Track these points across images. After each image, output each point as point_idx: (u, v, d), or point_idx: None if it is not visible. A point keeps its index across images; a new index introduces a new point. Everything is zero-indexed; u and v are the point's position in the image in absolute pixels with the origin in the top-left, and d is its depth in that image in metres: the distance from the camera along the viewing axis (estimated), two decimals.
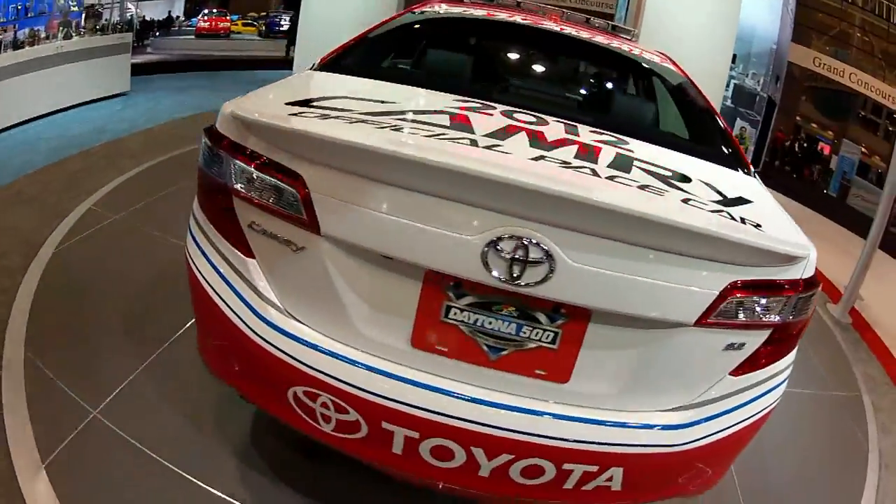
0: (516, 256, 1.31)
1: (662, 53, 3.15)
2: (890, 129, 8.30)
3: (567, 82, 3.27)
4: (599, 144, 1.75)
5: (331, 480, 2.09)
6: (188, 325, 2.71)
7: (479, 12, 2.95)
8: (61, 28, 6.40)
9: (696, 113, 2.54)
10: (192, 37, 13.19)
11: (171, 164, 4.91)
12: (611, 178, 1.49)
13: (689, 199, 1.48)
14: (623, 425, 1.47)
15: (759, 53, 10.47)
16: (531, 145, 1.58)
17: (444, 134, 1.50)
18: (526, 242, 1.31)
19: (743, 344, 1.49)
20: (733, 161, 2.07)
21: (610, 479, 1.48)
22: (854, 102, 8.72)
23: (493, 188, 1.28)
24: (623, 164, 1.63)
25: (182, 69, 10.06)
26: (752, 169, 2.11)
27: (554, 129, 1.81)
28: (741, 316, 1.43)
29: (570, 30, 2.93)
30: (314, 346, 1.48)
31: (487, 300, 1.43)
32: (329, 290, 1.48)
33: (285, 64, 9.75)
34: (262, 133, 1.45)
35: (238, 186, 1.49)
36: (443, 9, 3.01)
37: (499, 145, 1.51)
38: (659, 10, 6.42)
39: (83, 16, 6.78)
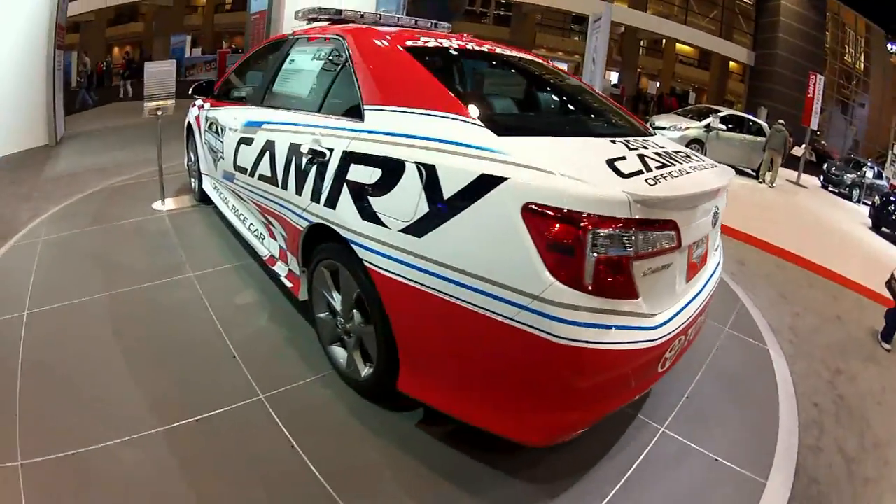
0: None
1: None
2: None
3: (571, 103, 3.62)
4: (663, 148, 2.60)
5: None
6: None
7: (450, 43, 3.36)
8: None
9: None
10: None
11: None
12: (700, 167, 2.52)
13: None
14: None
15: None
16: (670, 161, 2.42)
17: (683, 171, 2.32)
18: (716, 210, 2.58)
19: None
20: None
21: None
22: None
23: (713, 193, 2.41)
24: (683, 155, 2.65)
25: None
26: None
27: (641, 145, 2.52)
28: None
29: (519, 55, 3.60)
30: (663, 323, 2.14)
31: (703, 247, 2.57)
32: (673, 283, 2.25)
33: None
34: (654, 203, 1.95)
35: (641, 250, 1.95)
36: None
37: (682, 166, 2.39)
38: None
39: None
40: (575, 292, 1.83)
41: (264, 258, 3.81)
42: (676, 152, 2.61)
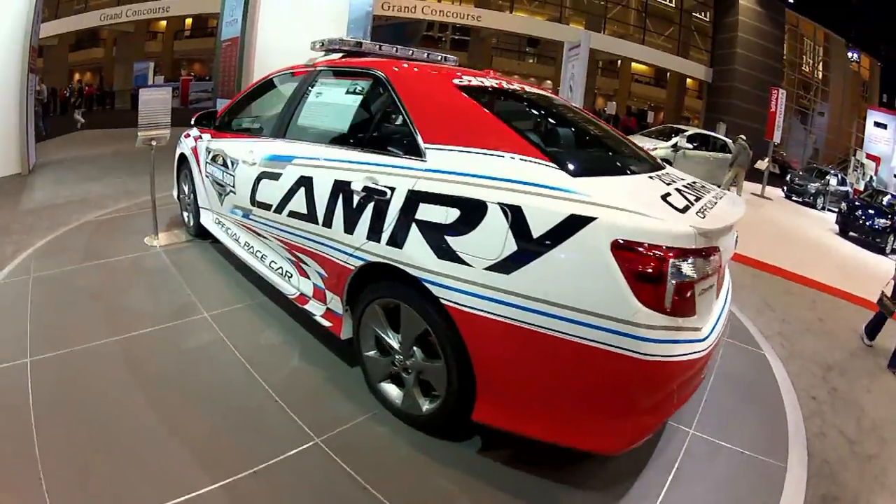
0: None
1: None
2: None
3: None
4: (682, 181, 3.01)
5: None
6: None
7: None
8: None
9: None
10: None
11: None
12: (717, 196, 2.92)
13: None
14: None
15: None
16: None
17: (711, 202, 2.71)
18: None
19: None
20: None
21: None
22: None
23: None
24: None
25: None
26: None
27: (670, 180, 2.93)
28: None
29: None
30: (707, 336, 2.48)
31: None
32: (712, 300, 2.57)
33: None
34: (708, 234, 2.31)
35: (700, 274, 2.29)
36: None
37: (708, 197, 2.81)
38: None
39: None
40: (657, 314, 2.17)
41: (290, 296, 3.72)
42: (693, 184, 3.01)
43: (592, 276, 2.20)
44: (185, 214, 5.84)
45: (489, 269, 2.39)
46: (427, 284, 2.60)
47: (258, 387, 3.20)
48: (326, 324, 3.39)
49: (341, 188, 3.13)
